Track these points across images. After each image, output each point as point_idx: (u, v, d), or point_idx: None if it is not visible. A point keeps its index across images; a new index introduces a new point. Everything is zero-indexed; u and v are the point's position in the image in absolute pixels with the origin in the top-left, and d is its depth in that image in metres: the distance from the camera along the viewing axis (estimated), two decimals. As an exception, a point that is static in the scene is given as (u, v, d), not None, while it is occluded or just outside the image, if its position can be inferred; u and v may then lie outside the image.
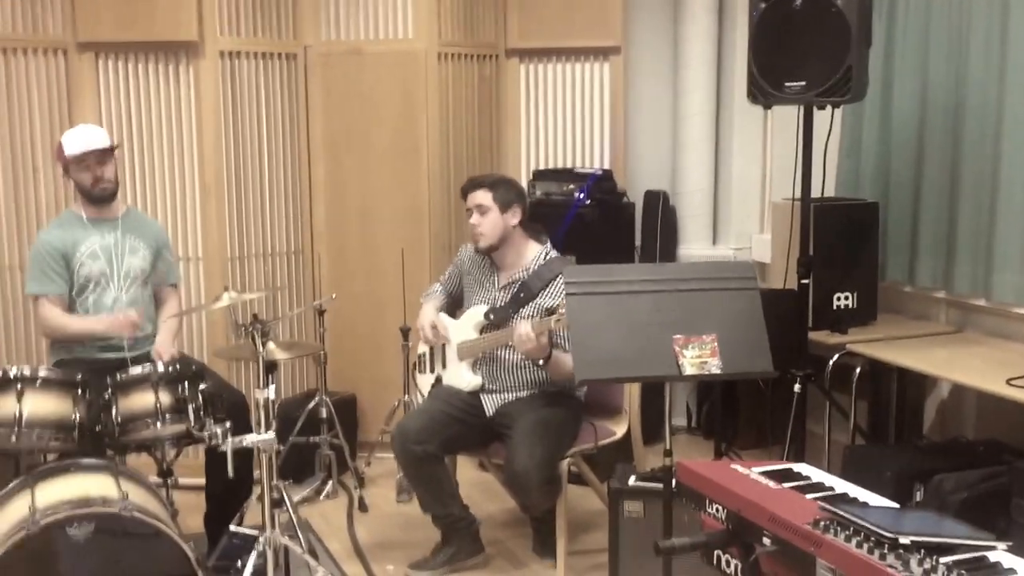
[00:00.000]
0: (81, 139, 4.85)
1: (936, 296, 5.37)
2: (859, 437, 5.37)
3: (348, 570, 4.88)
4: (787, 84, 4.82)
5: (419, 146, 6.14)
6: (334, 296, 5.74)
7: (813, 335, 5.16)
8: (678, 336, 3.58)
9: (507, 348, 4.73)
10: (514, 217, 4.87)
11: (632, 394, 5.03)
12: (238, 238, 5.98)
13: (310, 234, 6.35)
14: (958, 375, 4.58)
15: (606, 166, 6.37)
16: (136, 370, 4.35)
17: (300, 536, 4.52)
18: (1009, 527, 4.20)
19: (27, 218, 5.63)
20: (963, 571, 2.19)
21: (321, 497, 5.74)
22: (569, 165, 6.47)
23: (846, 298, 5.31)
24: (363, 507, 5.62)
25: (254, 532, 4.31)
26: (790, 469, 2.93)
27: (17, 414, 4.06)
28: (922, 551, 2.26)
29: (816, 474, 2.90)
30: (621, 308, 3.64)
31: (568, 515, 4.73)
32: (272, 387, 4.18)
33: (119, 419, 4.25)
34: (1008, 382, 4.21)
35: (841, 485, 2.83)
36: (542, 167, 6.45)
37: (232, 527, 4.68)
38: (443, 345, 5.01)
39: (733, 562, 2.73)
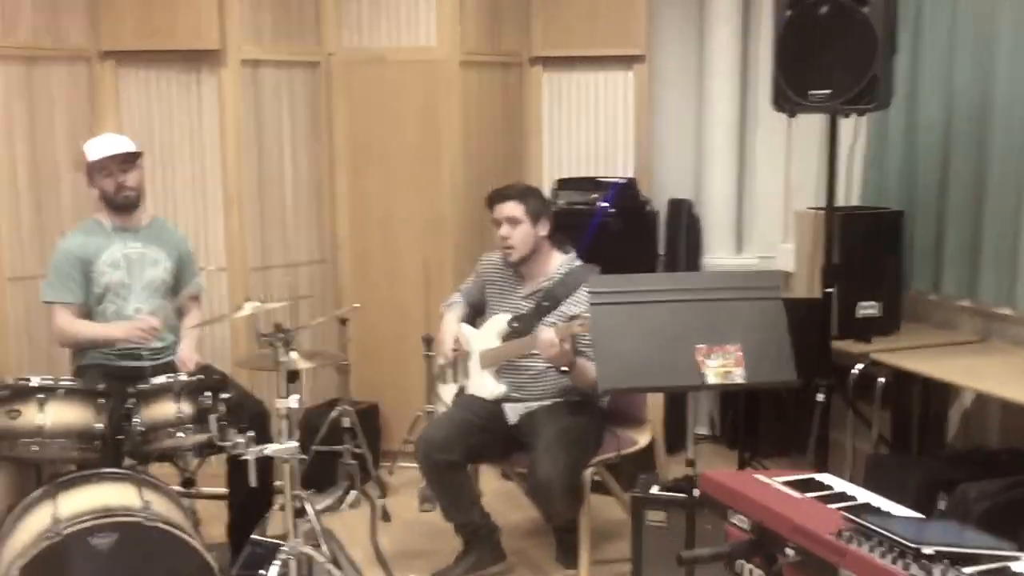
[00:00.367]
0: (104, 145, 4.87)
1: (961, 305, 5.34)
2: (882, 446, 5.34)
3: (371, 579, 4.89)
4: (812, 92, 4.79)
5: (441, 154, 6.14)
6: (357, 305, 5.74)
7: (837, 344, 5.13)
8: (701, 345, 3.57)
9: (530, 356, 4.72)
10: (543, 228, 4.86)
11: (655, 403, 5.01)
12: (261, 248, 5.99)
13: (333, 243, 6.36)
14: (982, 384, 4.55)
15: (630, 175, 6.35)
16: (158, 379, 4.36)
17: (323, 545, 4.52)
18: (1034, 537, 4.17)
19: (49, 227, 5.64)
20: (987, 582, 2.18)
21: (344, 506, 5.73)
22: (592, 174, 6.45)
23: (870, 307, 5.28)
24: (386, 516, 5.61)
25: (277, 541, 4.31)
26: (813, 479, 2.92)
27: (40, 424, 4.06)
28: (945, 561, 2.24)
29: (839, 484, 2.89)
30: (644, 317, 3.63)
31: (591, 524, 4.72)
32: (295, 396, 4.18)
33: (141, 428, 4.26)
34: (1033, 391, 4.18)
35: (864, 495, 2.82)
36: (565, 176, 6.44)
37: (255, 536, 4.69)
38: (466, 354, 5.00)
39: (756, 572, 2.71)
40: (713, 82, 6.55)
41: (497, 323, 4.89)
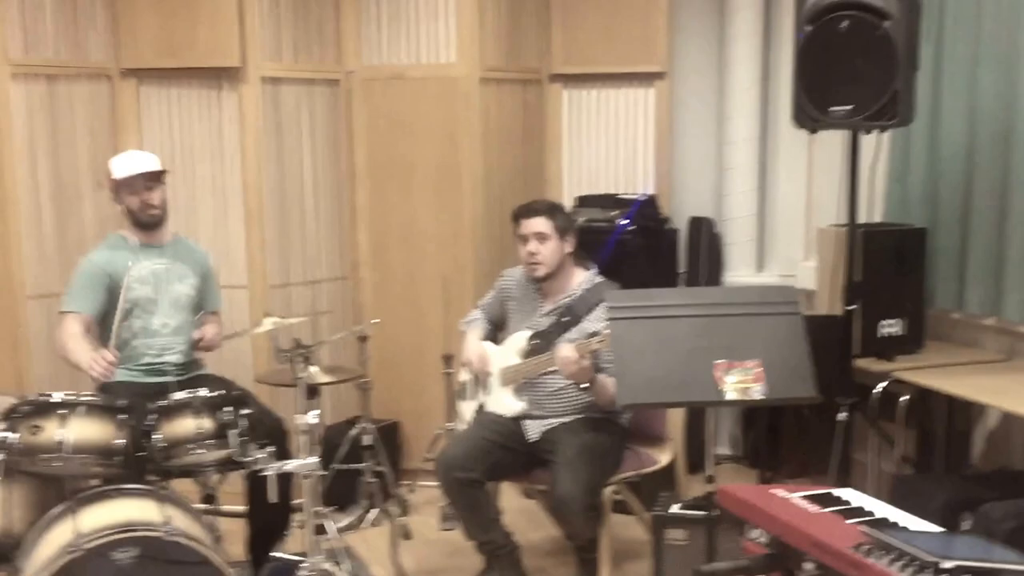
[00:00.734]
0: (130, 163, 4.90)
1: (985, 323, 5.30)
2: (905, 466, 5.31)
3: (390, 597, 4.88)
4: (833, 108, 4.77)
5: (461, 171, 6.15)
6: (376, 321, 5.75)
7: (859, 363, 5.10)
8: (720, 361, 3.56)
9: (550, 373, 4.71)
10: (569, 244, 4.86)
11: (676, 422, 5.00)
12: (280, 264, 6.01)
13: (353, 260, 6.37)
14: (1007, 403, 4.50)
15: (650, 192, 6.34)
16: (179, 395, 4.37)
17: (343, 563, 4.52)
18: (1059, 557, 4.13)
19: (71, 245, 5.67)
20: (1008, 597, 2.15)
21: (364, 524, 5.73)
22: (612, 191, 6.44)
23: (893, 325, 5.25)
24: (407, 534, 5.60)
25: (297, 559, 4.31)
26: (831, 493, 2.90)
27: (61, 440, 4.06)
28: (966, 576, 2.22)
29: (857, 498, 2.87)
30: (663, 333, 3.63)
31: (612, 543, 4.70)
32: (314, 412, 4.18)
33: (162, 444, 4.27)
34: (1058, 410, 4.15)
35: (883, 509, 2.80)
36: (585, 193, 6.43)
37: (275, 553, 4.69)
38: (488, 372, 4.99)
39: (775, 588, 2.69)
40: (734, 99, 6.54)
41: (517, 340, 4.89)
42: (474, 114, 6.11)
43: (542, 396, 4.81)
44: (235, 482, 4.77)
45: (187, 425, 4.31)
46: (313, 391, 4.35)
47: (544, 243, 4.80)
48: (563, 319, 4.78)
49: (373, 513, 5.77)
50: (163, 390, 4.50)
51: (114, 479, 4.20)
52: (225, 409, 4.34)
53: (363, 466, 5.70)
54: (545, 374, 4.75)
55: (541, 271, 4.84)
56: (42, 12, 5.59)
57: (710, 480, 3.78)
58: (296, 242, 6.10)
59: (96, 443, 4.14)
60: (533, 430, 4.80)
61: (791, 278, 6.46)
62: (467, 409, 5.10)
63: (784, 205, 6.60)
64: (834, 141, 5.59)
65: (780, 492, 2.80)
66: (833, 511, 2.71)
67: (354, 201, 6.34)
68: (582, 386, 4.57)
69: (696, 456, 5.25)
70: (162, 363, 4.83)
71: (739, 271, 6.64)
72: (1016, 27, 4.91)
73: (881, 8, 4.56)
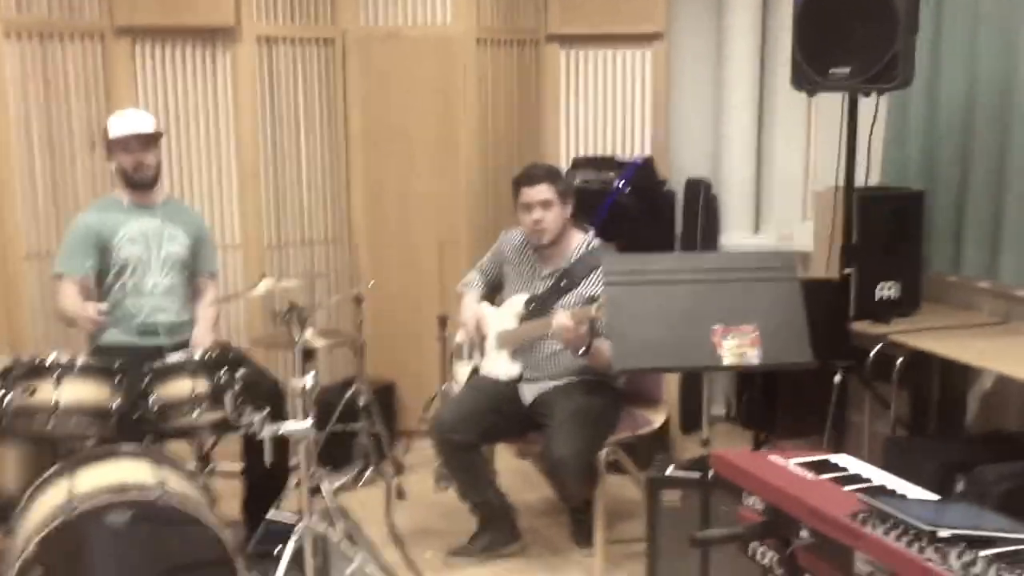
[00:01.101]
0: (127, 122, 4.88)
1: (981, 286, 5.30)
2: (900, 428, 5.31)
3: (386, 557, 4.88)
4: (832, 71, 4.76)
5: (457, 131, 6.13)
6: (372, 284, 5.73)
7: (855, 325, 5.10)
8: (717, 326, 3.56)
9: (547, 337, 4.71)
10: (569, 208, 4.83)
11: (671, 384, 5.00)
12: (276, 225, 5.99)
13: (348, 221, 6.35)
14: (1002, 366, 4.51)
15: (647, 154, 6.31)
16: (174, 357, 4.36)
17: (338, 523, 4.53)
18: (1051, 518, 4.15)
19: (65, 205, 5.65)
20: (1003, 564, 2.15)
21: (359, 485, 5.74)
22: (609, 153, 6.41)
23: (889, 288, 5.24)
24: (401, 495, 5.61)
25: (292, 519, 4.32)
26: (828, 460, 2.90)
27: (55, 401, 4.07)
28: (962, 544, 2.22)
29: (854, 465, 2.87)
30: (660, 298, 3.62)
31: (606, 504, 4.71)
32: (310, 374, 4.17)
33: (157, 406, 4.27)
34: (1053, 374, 4.15)
35: (880, 476, 2.80)
36: (581, 155, 6.40)
37: (270, 514, 4.70)
38: (484, 335, 4.99)
39: (769, 554, 2.69)
40: (732, 61, 6.51)
41: (515, 304, 4.88)
42: (470, 74, 6.08)
43: (538, 359, 4.81)
44: (231, 442, 4.78)
45: (182, 387, 4.31)
46: (309, 354, 4.34)
47: (549, 210, 4.76)
48: (561, 283, 4.77)
49: (368, 474, 5.78)
50: (156, 352, 4.50)
51: (109, 440, 4.20)
52: (220, 371, 4.33)
53: (358, 427, 5.71)
54: (543, 337, 4.74)
55: (546, 238, 4.81)
56: (35, -30, 5.54)
57: (706, 444, 3.78)
58: (291, 202, 6.08)
59: (91, 404, 4.15)
60: (528, 393, 4.80)
61: (788, 240, 6.45)
62: (462, 371, 5.09)
63: (781, 168, 6.58)
64: (832, 104, 5.56)
65: (776, 459, 2.80)
66: (830, 478, 2.71)
67: (349, 161, 6.31)
68: (580, 352, 4.56)
69: (691, 417, 5.27)
70: (154, 323, 4.81)
71: (735, 233, 6.62)
72: (1016, -11, 4.89)
73: (881, -30, 4.54)
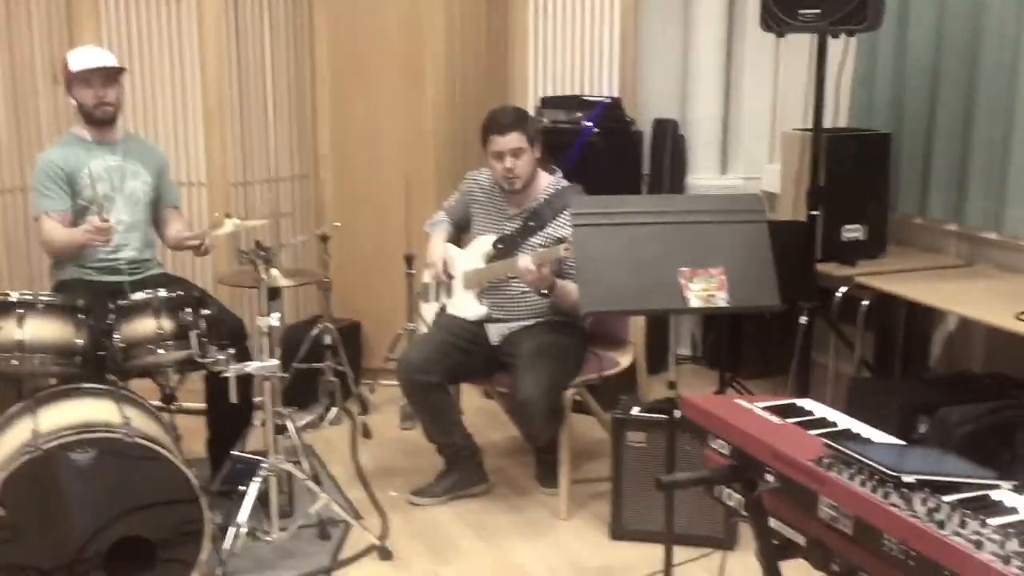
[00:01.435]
0: (87, 57, 4.81)
1: (947, 229, 5.32)
2: (864, 369, 5.35)
3: (351, 495, 4.90)
4: (801, 12, 4.74)
5: (424, 69, 6.06)
6: (338, 224, 5.71)
7: (821, 267, 5.13)
8: (684, 268, 3.56)
9: (514, 278, 4.70)
10: (538, 151, 4.80)
11: (637, 325, 5.01)
12: (241, 163, 5.94)
13: (314, 159, 6.30)
14: (966, 309, 4.54)
15: (615, 94, 6.28)
16: (138, 296, 4.33)
17: (303, 462, 4.53)
18: (1014, 460, 4.19)
19: (28, 140, 5.58)
20: (966, 510, 2.16)
21: (325, 423, 5.74)
22: (577, 92, 6.37)
23: (855, 230, 5.26)
24: (367, 433, 5.62)
25: (257, 457, 4.32)
26: (794, 404, 2.90)
27: (19, 339, 4.04)
28: (926, 490, 2.23)
29: (820, 409, 2.87)
30: (628, 240, 3.61)
31: (571, 444, 4.73)
32: (276, 314, 4.16)
33: (122, 344, 4.25)
34: (1017, 316, 4.18)
35: (845, 421, 2.81)
36: (549, 94, 6.36)
37: (235, 452, 4.70)
38: (451, 275, 4.98)
39: (736, 497, 2.70)
40: (701, 1, 6.47)
41: (482, 244, 4.86)
42: (438, 11, 6.01)
43: (504, 300, 4.80)
44: (195, 380, 4.76)
45: (147, 325, 4.28)
46: (274, 293, 4.32)
47: (520, 157, 4.72)
48: (529, 223, 4.76)
49: (333, 412, 5.78)
50: (119, 289, 4.47)
51: (73, 379, 4.18)
52: (185, 309, 4.31)
53: (323, 365, 5.70)
54: (508, 278, 4.74)
55: (518, 184, 4.77)
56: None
57: (672, 386, 3.79)
58: (256, 140, 6.02)
59: (55, 342, 4.13)
60: (495, 333, 4.80)
61: (755, 181, 6.45)
62: (429, 311, 5.08)
63: (749, 108, 6.57)
64: (801, 45, 5.56)
65: (743, 403, 2.80)
66: (795, 422, 2.72)
67: (315, 98, 6.25)
68: (542, 292, 4.56)
69: (657, 358, 5.28)
70: (116, 259, 4.77)
71: (703, 173, 6.62)
72: (987, -69, 4.87)
73: (851, -90, 4.52)
